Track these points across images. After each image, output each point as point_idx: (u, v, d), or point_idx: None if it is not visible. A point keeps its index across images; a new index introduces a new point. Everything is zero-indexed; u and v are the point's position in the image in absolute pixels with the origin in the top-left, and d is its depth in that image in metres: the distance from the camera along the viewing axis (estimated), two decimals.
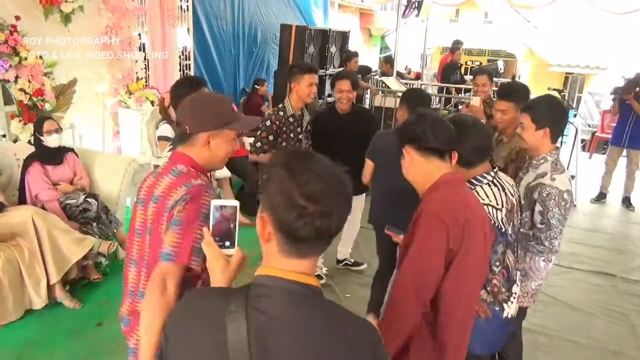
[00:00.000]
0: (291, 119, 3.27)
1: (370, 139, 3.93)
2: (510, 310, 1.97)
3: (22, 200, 3.64)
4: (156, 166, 4.57)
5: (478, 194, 1.86)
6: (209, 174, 1.74)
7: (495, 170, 1.95)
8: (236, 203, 1.23)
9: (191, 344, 0.96)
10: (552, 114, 2.30)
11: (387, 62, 8.56)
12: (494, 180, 1.91)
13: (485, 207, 1.82)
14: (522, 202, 2.32)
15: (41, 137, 3.64)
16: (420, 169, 1.69)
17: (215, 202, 1.23)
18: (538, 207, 2.26)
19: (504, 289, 1.94)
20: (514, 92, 2.95)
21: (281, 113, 3.26)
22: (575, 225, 5.73)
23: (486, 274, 1.79)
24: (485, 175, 1.90)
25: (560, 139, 7.16)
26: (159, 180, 1.57)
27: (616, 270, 4.52)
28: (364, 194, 3.78)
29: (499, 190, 1.90)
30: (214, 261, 1.21)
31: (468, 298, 1.70)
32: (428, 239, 1.59)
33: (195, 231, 1.44)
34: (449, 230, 1.56)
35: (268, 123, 3.22)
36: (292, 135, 3.28)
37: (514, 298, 1.99)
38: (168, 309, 1.35)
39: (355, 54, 7.44)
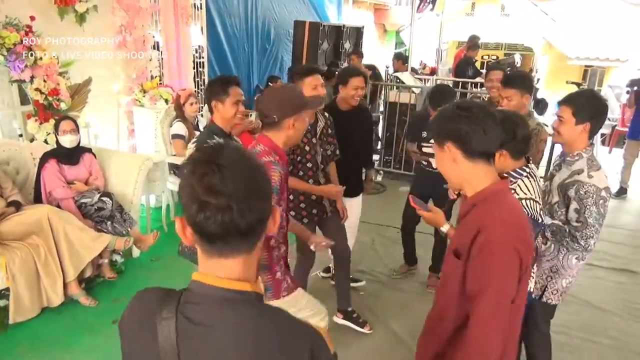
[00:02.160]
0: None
1: (370, 136, 3.87)
2: (531, 284, 2.07)
3: (37, 198, 3.67)
4: (171, 164, 4.61)
5: (520, 187, 1.94)
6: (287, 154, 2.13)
7: (529, 163, 2.02)
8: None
9: (133, 349, 0.98)
10: (595, 109, 2.22)
11: (399, 58, 8.40)
12: (531, 172, 1.99)
13: (527, 201, 1.90)
14: (557, 198, 2.30)
15: (57, 136, 3.68)
16: (464, 172, 1.51)
17: None
18: (574, 205, 2.20)
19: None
20: (519, 79, 2.99)
21: None
22: None
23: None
24: (524, 168, 1.97)
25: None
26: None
27: (638, 268, 4.41)
28: (360, 196, 3.65)
29: (535, 181, 1.98)
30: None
31: (522, 310, 1.58)
32: (506, 276, 1.41)
33: (276, 203, 1.71)
34: (521, 254, 1.41)
35: None
36: (307, 148, 2.97)
37: (533, 274, 2.10)
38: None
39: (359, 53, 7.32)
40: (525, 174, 1.96)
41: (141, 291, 1.03)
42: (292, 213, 3.00)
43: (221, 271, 0.94)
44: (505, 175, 1.88)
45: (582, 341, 3.31)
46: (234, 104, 2.62)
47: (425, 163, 3.78)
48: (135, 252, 4.09)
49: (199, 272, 0.96)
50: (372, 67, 8.26)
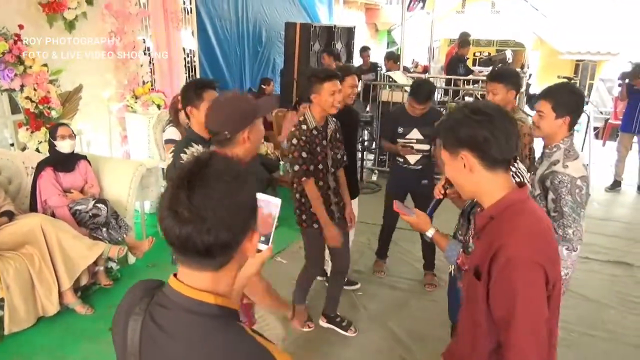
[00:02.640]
0: (315, 132, 2.91)
1: (355, 135, 3.79)
2: None
3: (33, 206, 3.66)
4: (164, 169, 4.59)
5: None
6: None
7: (516, 162, 1.96)
8: (279, 201, 1.21)
9: (115, 340, 1.03)
10: (574, 102, 2.26)
11: (390, 58, 8.39)
12: (517, 172, 1.92)
13: None
14: (538, 191, 2.31)
15: (55, 142, 3.68)
16: (482, 183, 1.38)
17: (260, 196, 1.23)
18: (551, 195, 2.23)
19: None
20: (506, 74, 3.02)
21: (303, 127, 2.88)
22: (590, 214, 5.62)
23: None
24: (510, 167, 1.89)
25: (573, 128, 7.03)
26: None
27: (633, 260, 4.43)
28: (357, 199, 3.62)
29: (521, 179, 1.92)
30: None
31: (556, 318, 1.47)
32: (533, 294, 1.27)
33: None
34: (547, 270, 1.28)
35: (295, 141, 2.86)
36: (318, 149, 2.93)
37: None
38: None
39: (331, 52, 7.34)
40: (510, 173, 1.88)
41: (135, 283, 1.06)
42: (304, 217, 2.99)
43: (190, 280, 0.95)
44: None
45: (579, 335, 3.32)
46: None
47: (401, 160, 3.80)
48: (131, 259, 4.08)
49: (174, 277, 0.98)
50: (375, 65, 8.28)
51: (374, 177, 6.64)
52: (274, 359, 0.93)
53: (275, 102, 6.54)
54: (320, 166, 2.94)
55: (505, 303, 1.28)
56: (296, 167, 2.87)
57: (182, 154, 2.28)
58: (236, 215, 0.91)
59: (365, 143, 6.92)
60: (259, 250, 1.22)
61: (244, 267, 1.18)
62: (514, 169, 1.92)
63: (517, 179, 1.88)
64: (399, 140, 3.76)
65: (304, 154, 2.84)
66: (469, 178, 1.39)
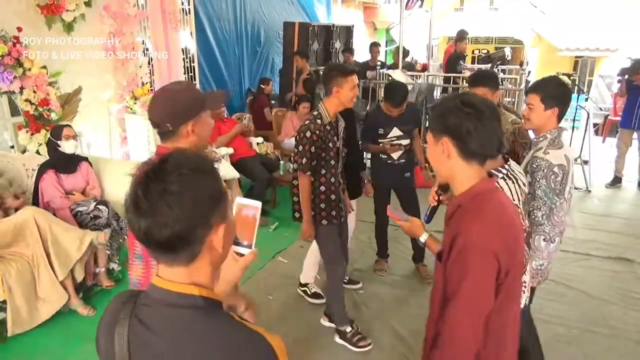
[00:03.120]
0: (328, 127, 2.89)
1: (356, 134, 3.78)
2: (521, 299, 1.97)
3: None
4: None
5: None
6: None
7: (508, 163, 1.92)
8: (259, 204, 1.20)
9: (100, 349, 1.02)
10: (561, 94, 2.34)
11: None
12: (509, 174, 1.89)
13: None
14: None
15: (58, 143, 3.70)
16: (455, 170, 1.45)
17: (239, 200, 1.22)
18: (527, 179, 2.27)
19: None
20: (487, 78, 3.02)
21: (318, 121, 2.85)
22: (591, 211, 5.64)
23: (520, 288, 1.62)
24: (500, 169, 1.87)
25: (572, 124, 7.03)
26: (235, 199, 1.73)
27: (634, 256, 4.43)
28: (356, 199, 3.64)
29: (513, 183, 1.88)
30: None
31: (514, 320, 1.51)
32: (482, 276, 1.36)
33: None
34: (500, 258, 1.35)
35: (308, 134, 2.81)
36: (330, 145, 2.91)
37: (525, 287, 2.00)
38: None
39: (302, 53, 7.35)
40: (501, 175, 1.86)
41: (115, 295, 1.06)
42: (312, 213, 2.98)
43: (169, 275, 0.96)
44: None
45: (580, 331, 3.32)
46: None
47: (385, 156, 3.84)
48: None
49: (157, 276, 0.98)
50: (382, 64, 8.27)
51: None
52: (267, 342, 0.93)
53: (224, 96, 6.59)
54: (333, 162, 2.94)
55: (454, 282, 1.37)
56: (304, 160, 2.84)
57: None
58: (194, 209, 0.91)
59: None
60: (242, 255, 1.19)
61: (226, 271, 1.18)
62: (505, 171, 1.87)
63: (505, 182, 1.85)
64: (380, 140, 3.83)
65: (312, 149, 2.83)
66: (445, 163, 1.45)
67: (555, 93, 2.33)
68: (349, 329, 3.16)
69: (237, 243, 1.20)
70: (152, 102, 1.74)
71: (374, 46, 8.37)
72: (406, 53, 8.29)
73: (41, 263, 3.25)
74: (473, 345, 1.38)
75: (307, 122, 2.89)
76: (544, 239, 2.33)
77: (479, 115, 1.37)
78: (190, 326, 0.92)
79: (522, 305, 1.96)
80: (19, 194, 3.61)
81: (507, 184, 1.86)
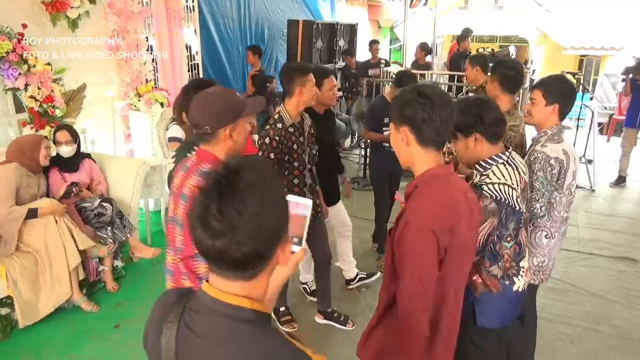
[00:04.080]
0: (291, 129, 2.84)
1: (334, 140, 3.75)
2: (520, 283, 2.01)
3: None
4: (167, 168, 4.60)
5: (493, 173, 1.91)
6: None
7: (509, 150, 1.98)
8: (310, 202, 1.21)
9: (149, 351, 1.02)
10: (563, 91, 2.37)
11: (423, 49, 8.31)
12: (509, 160, 1.95)
13: (501, 185, 1.87)
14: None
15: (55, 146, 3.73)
16: (414, 155, 1.57)
17: (289, 198, 1.23)
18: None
19: (514, 264, 1.98)
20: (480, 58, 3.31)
21: (279, 125, 2.80)
22: (595, 210, 5.62)
23: (469, 264, 1.72)
24: (500, 155, 1.94)
25: (577, 123, 6.99)
26: (186, 179, 1.74)
27: (638, 255, 4.42)
28: (340, 202, 3.63)
29: (513, 169, 1.94)
30: None
31: (455, 289, 1.64)
32: (420, 250, 1.48)
33: None
34: (438, 235, 1.47)
35: (268, 141, 2.77)
36: (295, 146, 2.86)
37: (523, 272, 2.03)
38: None
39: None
40: (502, 160, 1.93)
41: (161, 294, 1.06)
42: None
43: (224, 286, 0.94)
44: (482, 162, 1.94)
45: (584, 330, 3.32)
46: None
47: (387, 144, 3.85)
48: (135, 258, 4.10)
49: (207, 283, 0.96)
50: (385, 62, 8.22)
51: None
52: None
53: (263, 103, 6.56)
54: (296, 163, 2.89)
55: (399, 261, 1.52)
56: None
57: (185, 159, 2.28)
58: (269, 226, 0.89)
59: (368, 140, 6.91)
60: (292, 252, 1.20)
61: (278, 270, 1.18)
62: (505, 157, 1.94)
63: (505, 167, 1.92)
64: (384, 129, 3.88)
65: (272, 155, 2.77)
66: (405, 150, 1.58)
67: (557, 89, 2.35)
68: (282, 307, 3.33)
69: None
70: (193, 103, 1.77)
71: (373, 44, 8.34)
72: (429, 49, 8.06)
73: (53, 253, 3.28)
74: (424, 315, 1.50)
75: (267, 127, 2.82)
76: (545, 235, 2.35)
77: (432, 105, 1.49)
78: (241, 339, 0.91)
79: (519, 289, 2.00)
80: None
81: (507, 169, 1.92)
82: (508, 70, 2.96)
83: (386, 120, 3.83)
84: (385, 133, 3.86)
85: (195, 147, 2.22)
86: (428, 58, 8.06)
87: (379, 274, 3.87)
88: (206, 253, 0.89)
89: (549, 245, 2.37)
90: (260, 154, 2.80)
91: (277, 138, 2.77)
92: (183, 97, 2.57)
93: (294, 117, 2.84)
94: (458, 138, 1.97)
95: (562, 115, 2.37)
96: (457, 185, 1.61)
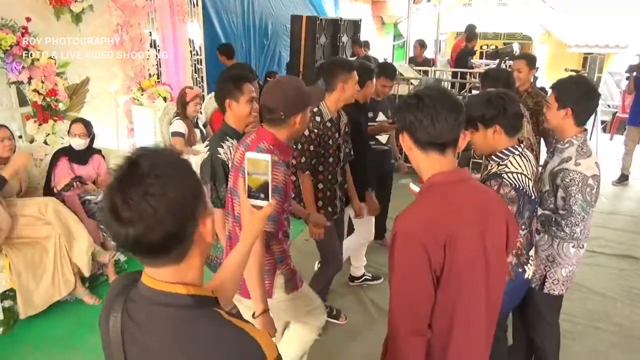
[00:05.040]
0: (329, 124, 2.82)
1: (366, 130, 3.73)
2: (529, 271, 2.09)
3: (46, 194, 3.70)
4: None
5: (511, 163, 1.98)
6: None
7: (521, 145, 2.06)
8: (268, 157, 1.24)
9: (101, 332, 1.03)
10: (577, 94, 2.19)
11: (422, 46, 8.45)
12: (523, 153, 2.03)
13: (518, 175, 1.93)
14: (547, 187, 2.30)
15: (69, 137, 3.78)
16: (416, 160, 1.47)
17: (249, 155, 1.25)
18: (561, 193, 2.21)
19: (525, 252, 2.04)
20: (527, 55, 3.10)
21: (317, 119, 2.77)
22: (597, 208, 5.54)
23: (499, 278, 1.53)
24: (516, 147, 2.01)
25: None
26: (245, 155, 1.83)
27: None
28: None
29: (527, 161, 2.01)
30: (242, 212, 1.30)
31: (464, 314, 1.42)
32: (406, 265, 1.36)
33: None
34: (429, 250, 1.32)
35: (307, 133, 2.74)
36: (330, 142, 2.84)
37: (532, 260, 2.09)
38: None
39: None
40: (517, 152, 2.00)
41: (113, 281, 1.08)
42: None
43: (158, 274, 0.95)
44: (499, 153, 2.00)
45: (585, 328, 3.32)
46: (248, 101, 2.40)
47: (373, 142, 3.83)
48: None
49: (144, 273, 0.98)
50: (368, 59, 8.24)
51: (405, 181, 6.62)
52: (254, 340, 0.92)
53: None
54: (331, 159, 2.89)
55: (389, 270, 1.42)
56: (302, 159, 2.79)
57: (219, 149, 2.30)
58: (179, 207, 0.89)
59: None
60: (260, 207, 1.26)
61: (247, 225, 1.27)
62: (520, 149, 2.01)
63: (520, 159, 1.98)
64: (370, 124, 3.77)
65: (312, 147, 2.77)
66: (411, 155, 1.50)
67: (570, 91, 2.21)
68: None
69: (252, 196, 1.25)
70: (267, 91, 1.93)
71: (356, 43, 8.45)
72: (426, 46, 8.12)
73: (57, 246, 3.30)
74: (410, 334, 1.37)
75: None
76: (572, 246, 2.28)
77: (418, 104, 1.39)
78: (177, 325, 0.92)
79: (528, 277, 2.07)
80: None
81: (522, 160, 1.99)
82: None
83: (370, 114, 3.75)
84: (372, 127, 3.79)
85: (228, 138, 2.34)
86: (429, 54, 8.04)
87: (382, 278, 3.86)
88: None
89: (578, 255, 2.30)
90: (298, 146, 2.79)
91: (315, 131, 2.77)
92: (220, 89, 2.52)
93: (333, 112, 2.85)
94: (479, 129, 2.01)
95: (579, 119, 2.22)
96: (462, 190, 1.45)
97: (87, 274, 3.42)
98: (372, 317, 3.37)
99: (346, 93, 2.80)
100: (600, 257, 4.35)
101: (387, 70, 3.75)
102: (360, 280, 3.81)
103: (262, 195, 1.24)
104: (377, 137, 3.86)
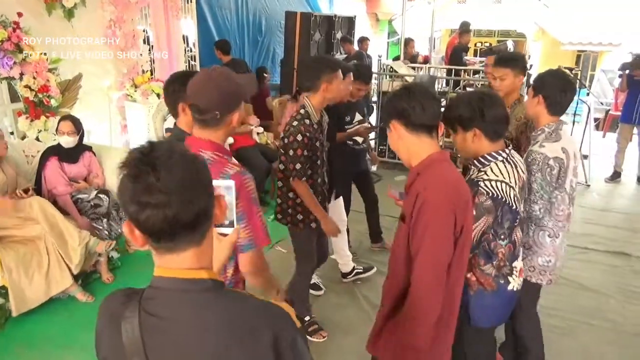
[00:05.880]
0: (316, 126, 2.72)
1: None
2: (514, 283, 2.01)
3: (38, 194, 3.66)
4: None
5: (491, 170, 1.89)
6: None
7: (509, 148, 1.96)
8: (231, 182, 1.26)
9: (105, 351, 1.01)
10: (549, 83, 2.31)
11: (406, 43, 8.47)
12: (508, 158, 1.93)
13: (498, 183, 1.85)
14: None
15: (56, 135, 3.74)
16: (410, 145, 1.67)
17: (215, 183, 1.24)
18: (525, 174, 2.27)
19: (508, 263, 1.97)
20: (512, 59, 2.93)
21: (307, 122, 2.66)
22: (590, 205, 5.64)
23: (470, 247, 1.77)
24: (500, 152, 1.92)
25: (573, 118, 6.97)
26: None
27: (632, 250, 4.44)
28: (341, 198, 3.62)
29: (512, 167, 1.92)
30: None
31: (462, 268, 1.73)
32: (441, 228, 1.55)
33: (257, 214, 1.63)
34: (456, 211, 1.56)
35: (300, 138, 2.61)
36: (318, 144, 2.74)
37: (517, 272, 2.02)
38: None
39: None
40: (501, 158, 1.90)
41: (107, 296, 1.04)
42: (300, 217, 2.88)
43: (176, 264, 0.96)
44: (480, 158, 1.92)
45: (577, 324, 3.34)
46: None
47: (351, 142, 3.84)
48: (130, 249, 4.09)
49: (158, 267, 0.97)
50: (361, 55, 8.23)
51: (374, 168, 6.63)
52: (282, 309, 0.98)
53: (256, 82, 6.40)
54: (319, 162, 2.81)
55: (419, 237, 1.57)
56: (297, 166, 2.66)
57: None
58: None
59: None
60: (225, 235, 1.25)
61: (216, 252, 1.20)
62: (504, 154, 1.91)
63: (504, 165, 1.90)
64: (347, 127, 3.77)
65: (306, 152, 2.65)
66: (401, 144, 1.69)
67: (543, 81, 2.34)
68: (307, 317, 3.17)
69: (218, 225, 1.25)
70: (197, 86, 1.63)
71: (363, 40, 8.42)
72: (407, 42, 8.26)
73: (49, 244, 3.29)
74: (439, 290, 1.58)
75: (295, 123, 2.65)
76: (548, 235, 2.32)
77: (410, 93, 1.64)
78: (207, 308, 0.94)
79: (513, 289, 2.00)
80: (29, 187, 3.59)
81: (505, 167, 1.90)
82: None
83: (347, 118, 3.74)
84: (349, 130, 3.78)
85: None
86: (424, 52, 8.07)
87: (375, 268, 3.88)
88: (159, 229, 0.89)
89: (554, 244, 2.34)
90: (290, 152, 2.65)
91: (307, 134, 2.64)
92: (169, 91, 2.36)
93: (317, 113, 2.75)
94: (457, 131, 1.93)
95: (552, 109, 2.30)
96: (455, 172, 1.69)
97: (76, 271, 3.38)
98: (367, 314, 3.37)
99: (330, 93, 2.68)
100: (593, 254, 4.38)
101: (362, 75, 3.64)
102: (351, 275, 3.81)
103: (226, 222, 1.25)
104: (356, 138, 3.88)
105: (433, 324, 1.60)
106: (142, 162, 0.88)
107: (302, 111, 2.70)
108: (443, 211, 1.55)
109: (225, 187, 1.24)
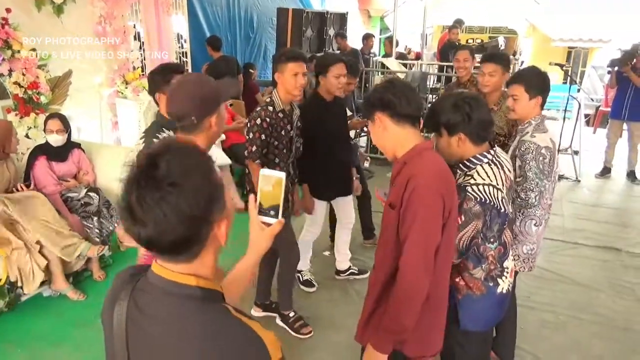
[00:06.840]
0: (281, 115, 2.85)
1: (347, 126, 3.75)
2: (504, 285, 1.98)
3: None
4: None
5: (478, 173, 1.85)
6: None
7: (494, 148, 1.93)
8: (283, 174, 1.23)
9: (104, 321, 1.04)
10: (543, 83, 2.42)
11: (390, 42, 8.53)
12: (494, 159, 1.89)
13: (485, 186, 1.82)
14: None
15: (44, 133, 3.69)
16: (395, 136, 1.71)
17: (263, 172, 1.26)
18: (517, 162, 2.33)
19: (498, 264, 1.95)
20: (500, 56, 3.06)
21: (270, 108, 2.82)
22: (580, 200, 5.68)
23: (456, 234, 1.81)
24: (485, 154, 1.88)
25: (564, 114, 7.03)
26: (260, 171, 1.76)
27: (622, 245, 4.49)
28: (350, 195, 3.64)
29: (498, 169, 1.88)
30: (251, 227, 1.27)
31: (450, 251, 1.76)
32: (431, 212, 1.59)
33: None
34: (444, 199, 1.60)
35: (259, 121, 2.78)
36: (282, 132, 2.86)
37: (507, 272, 2.00)
38: None
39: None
40: (486, 160, 1.87)
41: (118, 273, 1.06)
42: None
43: (168, 265, 0.95)
44: (466, 161, 1.89)
45: (568, 318, 3.37)
46: None
47: None
48: (122, 247, 4.07)
49: (156, 263, 0.97)
50: (355, 52, 8.23)
51: (367, 164, 6.64)
52: (259, 339, 0.91)
53: (237, 85, 6.37)
54: (285, 150, 2.92)
55: (409, 221, 1.60)
56: (253, 148, 2.79)
57: (155, 140, 2.17)
58: (192, 216, 0.88)
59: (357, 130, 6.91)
60: (269, 224, 1.24)
61: (255, 242, 1.25)
62: (490, 156, 1.88)
63: (490, 167, 1.87)
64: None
65: (263, 136, 2.79)
66: (386, 136, 1.72)
67: (538, 83, 2.40)
68: (292, 313, 3.18)
69: (263, 213, 1.25)
70: (173, 93, 1.70)
71: (368, 37, 8.44)
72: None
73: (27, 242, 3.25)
74: (428, 273, 1.61)
75: (258, 109, 2.87)
76: (534, 224, 2.37)
77: (393, 86, 1.70)
78: (185, 316, 0.92)
79: (503, 291, 1.99)
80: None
81: (491, 169, 1.86)
82: None
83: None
84: (350, 121, 3.71)
85: (164, 129, 2.14)
86: (416, 48, 8.08)
87: (368, 272, 3.86)
88: (137, 240, 0.90)
89: (538, 232, 2.40)
90: (250, 135, 2.80)
91: (267, 120, 2.80)
92: (150, 82, 2.46)
93: (285, 103, 2.87)
94: (442, 134, 1.89)
95: (543, 105, 2.45)
96: (440, 159, 1.75)
97: (60, 267, 3.36)
98: (357, 309, 3.36)
99: (284, 84, 2.80)
100: (583, 249, 4.41)
101: (350, 68, 3.59)
102: (346, 274, 3.81)
103: (272, 213, 1.24)
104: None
105: (420, 305, 1.63)
106: (142, 176, 0.87)
107: (267, 99, 2.92)
108: (433, 196, 1.59)
109: (276, 177, 1.23)
